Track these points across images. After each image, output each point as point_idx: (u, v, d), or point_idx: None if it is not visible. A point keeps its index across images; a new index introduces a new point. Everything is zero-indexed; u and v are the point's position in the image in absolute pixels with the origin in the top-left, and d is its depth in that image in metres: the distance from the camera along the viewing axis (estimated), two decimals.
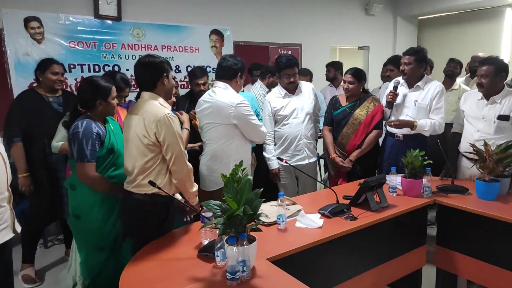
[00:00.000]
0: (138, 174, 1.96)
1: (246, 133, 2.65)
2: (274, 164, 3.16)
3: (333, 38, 6.24)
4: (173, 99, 2.75)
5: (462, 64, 4.25)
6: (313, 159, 3.25)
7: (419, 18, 7.16)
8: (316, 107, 3.30)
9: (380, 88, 4.43)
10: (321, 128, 3.52)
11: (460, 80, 4.31)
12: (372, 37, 6.69)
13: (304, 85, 3.27)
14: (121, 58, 4.29)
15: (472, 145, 2.53)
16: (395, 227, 2.33)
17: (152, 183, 1.86)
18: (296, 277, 1.58)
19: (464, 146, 2.79)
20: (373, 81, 5.86)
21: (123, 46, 4.29)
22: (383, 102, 3.17)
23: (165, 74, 2.03)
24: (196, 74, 3.28)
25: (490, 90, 2.71)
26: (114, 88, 2.23)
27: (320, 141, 3.51)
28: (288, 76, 3.09)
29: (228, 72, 2.63)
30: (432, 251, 2.61)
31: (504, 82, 2.81)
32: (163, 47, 4.55)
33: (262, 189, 1.68)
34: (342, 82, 3.23)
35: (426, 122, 2.92)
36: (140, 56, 4.11)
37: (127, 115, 2.08)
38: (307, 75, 4.46)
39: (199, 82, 3.25)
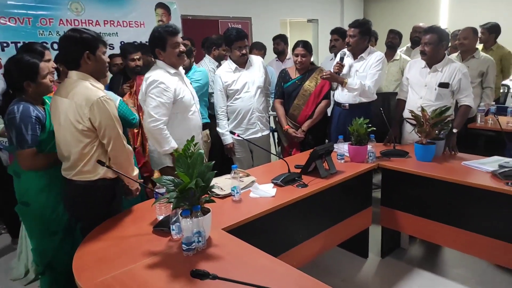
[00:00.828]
0: (77, 161, 1.85)
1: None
2: (228, 139, 3.19)
3: (282, 11, 6.26)
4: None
5: (402, 35, 4.42)
6: (266, 132, 3.31)
7: None
8: (267, 81, 3.32)
9: (331, 60, 4.54)
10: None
11: (401, 51, 4.51)
12: (320, 10, 6.79)
13: (254, 58, 3.27)
14: (59, 34, 3.99)
15: (411, 111, 2.71)
16: (343, 191, 2.47)
17: (101, 162, 1.80)
18: (251, 244, 1.64)
19: (408, 112, 2.97)
20: (323, 54, 5.99)
21: (61, 22, 4.03)
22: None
23: (88, 51, 1.82)
24: (129, 49, 3.29)
25: (432, 58, 2.86)
26: (43, 65, 2.01)
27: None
28: (240, 48, 3.06)
29: (157, 42, 2.43)
30: (377, 212, 2.81)
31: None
32: (106, 22, 4.32)
33: (214, 162, 1.71)
34: (294, 55, 3.25)
35: (355, 82, 3.05)
36: None
37: (54, 96, 1.91)
38: (262, 49, 4.44)
39: (134, 57, 3.27)
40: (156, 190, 1.88)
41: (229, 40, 3.10)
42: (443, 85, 2.85)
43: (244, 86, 3.13)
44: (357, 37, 3.07)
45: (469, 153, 2.78)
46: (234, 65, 3.13)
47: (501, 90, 4.73)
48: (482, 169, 2.41)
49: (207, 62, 3.75)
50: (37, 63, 1.98)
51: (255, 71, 3.19)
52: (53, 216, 2.10)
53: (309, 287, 1.31)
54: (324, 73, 3.03)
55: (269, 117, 3.43)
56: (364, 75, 3.11)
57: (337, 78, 3.08)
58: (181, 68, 2.59)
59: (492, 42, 4.36)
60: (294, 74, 3.30)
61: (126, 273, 1.45)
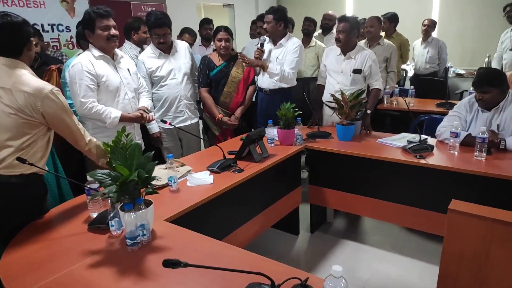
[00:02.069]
0: (12, 154, 1.66)
1: None
2: (155, 127, 3.04)
3: None
4: None
5: (316, 22, 4.67)
6: (195, 120, 3.24)
7: None
8: (194, 67, 3.25)
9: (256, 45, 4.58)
10: None
11: (314, 37, 4.76)
12: None
13: (179, 43, 3.17)
14: None
15: (332, 95, 2.90)
16: (275, 174, 2.57)
17: (21, 160, 1.60)
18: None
19: (327, 96, 3.18)
20: (240, 39, 6.03)
21: None
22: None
23: (31, 38, 1.75)
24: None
25: (346, 45, 3.08)
26: None
27: None
28: (158, 36, 2.93)
29: (85, 26, 2.40)
30: (306, 191, 2.98)
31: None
32: None
33: (153, 152, 1.64)
34: (217, 40, 3.20)
35: (276, 67, 3.18)
36: None
37: None
38: (194, 35, 4.31)
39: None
40: (88, 186, 1.75)
41: (148, 26, 3.01)
42: (357, 71, 3.10)
43: (170, 72, 3.02)
44: (273, 23, 3.19)
45: (378, 131, 3.09)
46: (158, 51, 2.99)
47: (401, 74, 5.31)
48: (394, 145, 2.70)
49: (128, 48, 3.50)
50: None
51: (181, 57, 3.10)
52: None
53: (262, 265, 1.35)
54: (246, 60, 3.06)
55: (197, 104, 3.37)
56: (283, 61, 3.23)
57: (258, 63, 3.16)
58: (119, 52, 2.53)
59: (392, 31, 4.84)
60: (218, 61, 3.26)
61: (66, 275, 1.34)
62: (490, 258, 1.62)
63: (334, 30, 4.81)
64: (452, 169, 2.26)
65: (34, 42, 1.83)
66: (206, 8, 7.83)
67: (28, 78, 1.69)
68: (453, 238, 1.70)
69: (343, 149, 2.71)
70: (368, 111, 3.05)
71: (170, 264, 1.03)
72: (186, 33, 4.24)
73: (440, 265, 1.75)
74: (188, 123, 3.15)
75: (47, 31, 4.20)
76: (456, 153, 2.46)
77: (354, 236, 3.05)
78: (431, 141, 2.69)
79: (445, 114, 2.90)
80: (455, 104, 2.89)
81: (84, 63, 2.32)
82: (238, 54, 3.13)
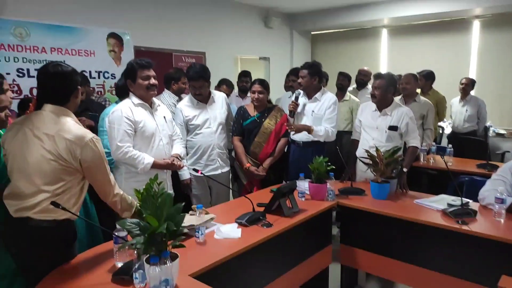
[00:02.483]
0: (46, 199, 1.68)
1: None
2: (185, 174, 3.08)
3: (236, 47, 6.39)
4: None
5: (350, 77, 4.73)
6: (226, 169, 3.26)
7: (312, 33, 7.78)
8: (229, 117, 3.32)
9: (289, 97, 4.66)
10: None
11: (349, 91, 4.79)
12: (271, 49, 7.04)
13: (217, 94, 3.28)
14: (0, 60, 3.74)
15: (367, 151, 2.83)
16: (305, 230, 2.47)
17: (55, 204, 1.61)
18: None
19: (361, 151, 3.11)
20: (274, 91, 6.12)
21: (2, 47, 3.75)
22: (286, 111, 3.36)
23: (79, 87, 1.86)
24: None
25: (381, 101, 3.07)
26: (3, 97, 1.93)
27: None
28: (194, 88, 3.07)
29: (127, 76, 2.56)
30: (336, 249, 2.83)
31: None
32: (53, 49, 4.10)
33: (183, 203, 1.62)
34: (251, 93, 3.30)
35: (320, 128, 3.20)
36: (24, 60, 3.78)
37: (18, 128, 1.76)
38: (231, 87, 4.49)
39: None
40: (116, 234, 1.73)
41: (187, 78, 3.16)
42: (392, 128, 3.05)
43: (205, 121, 3.10)
44: (307, 78, 3.27)
45: (414, 191, 2.94)
46: (195, 101, 3.10)
47: (438, 131, 5.17)
48: (433, 207, 2.55)
49: (166, 97, 3.66)
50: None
51: (217, 107, 3.19)
52: (2, 259, 1.88)
53: None
54: (293, 126, 3.13)
55: (229, 153, 3.39)
56: (319, 116, 3.24)
57: (303, 127, 3.18)
58: (156, 100, 2.65)
59: (428, 88, 4.80)
60: (252, 112, 3.33)
61: None
62: None
63: (369, 86, 4.84)
64: (500, 238, 2.08)
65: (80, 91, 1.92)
66: (243, 61, 8.15)
67: (71, 125, 1.76)
68: None
69: (377, 208, 2.59)
70: (405, 169, 2.94)
71: None
72: (224, 85, 4.40)
73: None
74: (219, 171, 3.16)
75: (94, 78, 4.46)
76: (502, 220, 2.29)
77: None
78: (473, 205, 2.53)
79: (486, 176, 2.75)
80: (497, 166, 2.75)
81: (124, 110, 2.44)
82: (286, 125, 3.20)
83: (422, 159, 4.00)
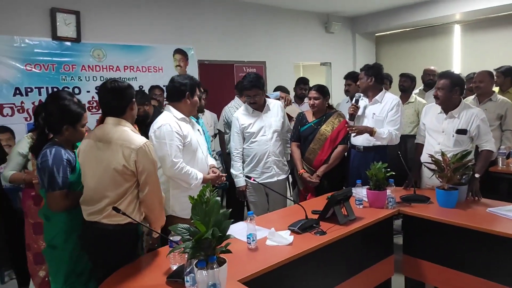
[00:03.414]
0: (109, 204, 1.87)
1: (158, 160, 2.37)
2: (241, 181, 3.16)
3: (296, 55, 6.41)
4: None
5: (414, 77, 4.46)
6: (282, 177, 3.27)
7: (376, 35, 7.51)
8: (286, 125, 3.33)
9: (347, 102, 4.55)
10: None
11: (415, 93, 4.52)
12: (333, 54, 6.93)
13: (272, 102, 3.30)
14: (81, 80, 4.18)
15: (431, 156, 2.65)
16: (363, 239, 2.37)
17: (116, 209, 1.78)
18: None
19: (425, 157, 2.90)
20: (336, 96, 6.03)
21: (83, 68, 4.20)
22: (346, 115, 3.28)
23: (134, 99, 2.03)
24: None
25: (445, 103, 2.84)
26: (85, 115, 2.18)
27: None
28: (249, 97, 3.14)
29: (175, 93, 2.50)
30: (400, 260, 2.67)
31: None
32: (126, 67, 4.49)
33: (230, 210, 1.66)
34: (308, 98, 3.29)
35: (384, 131, 3.04)
36: (102, 78, 4.18)
37: (89, 141, 2.00)
38: (287, 93, 4.53)
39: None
40: (171, 238, 1.83)
41: (240, 88, 3.21)
42: (461, 132, 2.80)
43: (260, 129, 3.15)
44: (364, 79, 3.19)
45: (491, 198, 2.68)
46: (251, 109, 3.17)
47: None
48: (509, 216, 2.30)
49: (233, 104, 3.87)
50: (82, 113, 2.13)
51: (272, 115, 3.21)
52: (79, 258, 2.11)
53: None
54: (354, 128, 3.03)
55: (286, 161, 3.39)
56: (381, 118, 3.10)
57: (365, 128, 3.05)
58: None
59: (508, 85, 4.33)
60: (311, 118, 3.31)
61: None
62: None
63: None
64: None
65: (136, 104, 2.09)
66: (305, 67, 8.13)
67: (128, 133, 1.94)
68: None
69: (443, 217, 2.40)
70: (477, 175, 2.69)
71: None
72: (279, 91, 4.42)
73: None
74: (275, 179, 3.18)
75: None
76: None
77: None
78: None
79: None
80: None
81: (172, 125, 2.39)
82: (346, 126, 3.13)
83: (500, 164, 3.62)
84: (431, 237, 2.49)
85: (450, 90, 2.78)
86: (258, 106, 3.17)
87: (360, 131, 3.02)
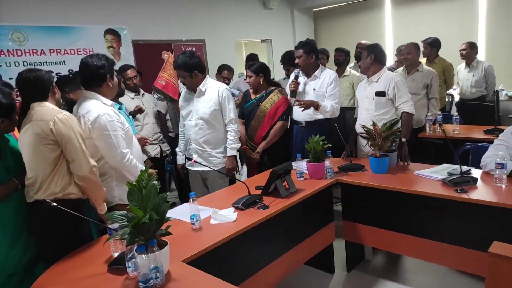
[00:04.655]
0: (43, 180, 1.94)
1: (101, 152, 2.24)
2: (178, 159, 3.16)
3: (236, 32, 6.34)
4: None
5: (348, 52, 4.62)
6: (206, 169, 2.83)
7: (314, 10, 7.62)
8: (226, 115, 2.94)
9: (284, 79, 4.62)
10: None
11: (350, 67, 4.70)
12: (272, 30, 6.95)
13: (212, 87, 2.94)
14: (1, 66, 3.84)
15: (363, 126, 2.79)
16: (304, 209, 2.48)
17: (46, 202, 1.72)
18: (214, 274, 1.59)
19: (358, 127, 3.07)
20: (278, 72, 6.09)
21: (1, 53, 3.85)
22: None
23: (53, 84, 2.10)
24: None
25: (366, 70, 3.10)
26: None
27: None
28: (180, 77, 3.01)
29: (94, 78, 2.23)
30: (340, 225, 2.83)
31: (388, 66, 3.11)
32: (52, 50, 4.18)
33: (168, 193, 1.65)
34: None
35: (327, 104, 3.16)
36: (25, 63, 3.86)
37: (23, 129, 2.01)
38: (231, 70, 4.47)
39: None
40: (109, 226, 1.79)
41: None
42: (379, 94, 3.01)
43: (188, 114, 2.99)
44: (303, 57, 3.21)
45: (421, 162, 2.90)
46: (187, 90, 3.05)
47: (446, 99, 5.03)
48: (433, 177, 2.51)
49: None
50: (14, 103, 2.07)
51: (204, 101, 2.92)
52: (9, 257, 2.02)
53: None
54: (300, 104, 3.08)
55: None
56: (321, 93, 3.21)
57: (312, 103, 3.13)
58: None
59: (434, 56, 4.65)
60: (254, 95, 3.33)
61: None
62: None
63: None
64: (496, 204, 2.04)
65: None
66: (247, 44, 8.09)
67: (47, 109, 2.00)
68: (495, 285, 1.50)
69: (376, 183, 2.57)
70: (403, 140, 2.89)
71: None
72: (225, 70, 4.39)
73: None
74: (193, 168, 3.04)
75: None
76: (503, 186, 2.24)
77: (395, 276, 2.82)
78: (475, 172, 2.48)
79: (493, 141, 2.67)
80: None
81: (110, 114, 2.22)
82: (295, 101, 3.16)
83: (428, 130, 3.92)
84: (367, 202, 2.67)
85: (366, 58, 3.04)
86: (190, 88, 3.00)
87: (308, 105, 3.11)
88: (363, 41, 4.79)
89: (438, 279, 2.73)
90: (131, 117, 3.26)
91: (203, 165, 2.77)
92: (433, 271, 2.80)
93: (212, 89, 2.94)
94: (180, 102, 3.12)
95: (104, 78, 2.23)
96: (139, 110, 3.46)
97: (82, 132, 2.03)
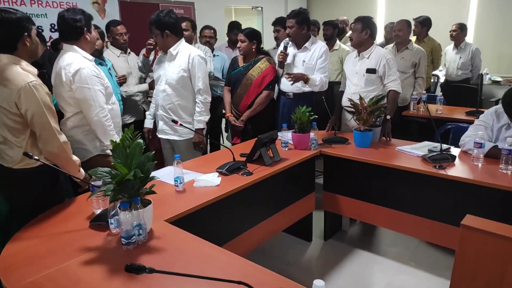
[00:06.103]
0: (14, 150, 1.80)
1: (80, 105, 2.21)
2: (146, 122, 3.04)
3: None
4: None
5: (337, 24, 4.57)
6: (174, 137, 2.89)
7: None
8: (194, 80, 2.78)
9: (274, 49, 4.55)
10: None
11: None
12: None
13: (185, 52, 2.77)
14: None
15: (350, 100, 2.81)
16: (287, 178, 2.52)
17: (28, 155, 1.67)
18: (196, 234, 1.61)
19: (345, 101, 3.09)
20: (268, 41, 5.98)
21: None
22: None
23: (26, 33, 1.79)
24: None
25: (357, 45, 3.04)
26: None
27: None
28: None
29: (71, 32, 2.18)
30: (320, 197, 2.90)
31: (379, 43, 3.10)
32: (32, 2, 3.96)
33: (153, 152, 1.64)
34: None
35: (316, 77, 3.14)
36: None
37: None
38: (212, 29, 4.31)
39: None
40: (92, 183, 1.77)
41: None
42: (370, 71, 3.01)
43: (158, 77, 2.88)
44: (295, 27, 3.13)
45: (404, 139, 2.95)
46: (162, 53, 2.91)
47: (432, 80, 5.09)
48: (413, 153, 2.57)
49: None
50: None
51: (173, 66, 2.77)
52: None
53: (252, 273, 1.32)
54: (292, 75, 3.03)
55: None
56: (311, 65, 3.17)
57: (302, 76, 3.09)
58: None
59: (424, 35, 4.66)
60: (242, 62, 3.27)
61: (59, 271, 1.36)
62: (506, 280, 1.50)
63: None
64: (471, 181, 2.12)
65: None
66: (237, 11, 7.87)
67: (12, 71, 1.73)
68: (466, 257, 1.58)
69: (358, 156, 2.61)
70: (388, 117, 2.93)
71: (133, 269, 1.01)
72: (205, 29, 4.22)
73: (450, 285, 1.64)
74: (161, 136, 2.96)
75: None
76: (479, 164, 2.32)
77: (370, 246, 2.94)
78: (454, 151, 2.55)
79: (473, 123, 2.73)
80: None
81: (91, 68, 2.19)
82: (285, 74, 3.09)
83: (412, 108, 3.98)
84: (348, 175, 2.73)
85: (361, 31, 2.97)
86: (161, 49, 2.88)
87: (297, 78, 3.08)
88: (341, 18, 4.84)
89: (410, 251, 2.85)
90: (114, 75, 3.18)
91: (168, 133, 2.74)
92: (406, 243, 2.92)
93: (183, 53, 2.77)
94: (154, 65, 3.01)
95: (82, 32, 2.19)
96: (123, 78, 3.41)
97: (51, 103, 1.83)
